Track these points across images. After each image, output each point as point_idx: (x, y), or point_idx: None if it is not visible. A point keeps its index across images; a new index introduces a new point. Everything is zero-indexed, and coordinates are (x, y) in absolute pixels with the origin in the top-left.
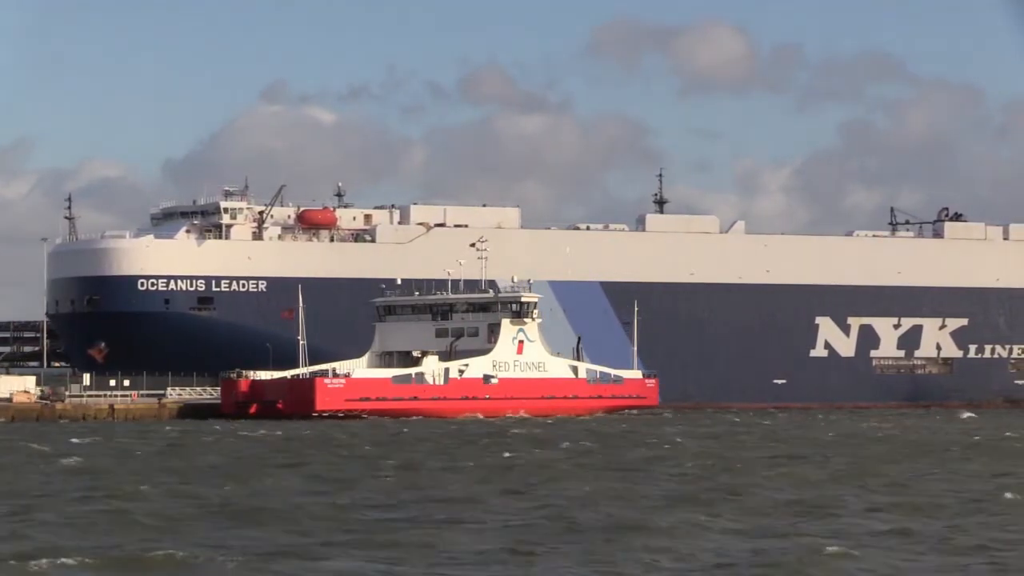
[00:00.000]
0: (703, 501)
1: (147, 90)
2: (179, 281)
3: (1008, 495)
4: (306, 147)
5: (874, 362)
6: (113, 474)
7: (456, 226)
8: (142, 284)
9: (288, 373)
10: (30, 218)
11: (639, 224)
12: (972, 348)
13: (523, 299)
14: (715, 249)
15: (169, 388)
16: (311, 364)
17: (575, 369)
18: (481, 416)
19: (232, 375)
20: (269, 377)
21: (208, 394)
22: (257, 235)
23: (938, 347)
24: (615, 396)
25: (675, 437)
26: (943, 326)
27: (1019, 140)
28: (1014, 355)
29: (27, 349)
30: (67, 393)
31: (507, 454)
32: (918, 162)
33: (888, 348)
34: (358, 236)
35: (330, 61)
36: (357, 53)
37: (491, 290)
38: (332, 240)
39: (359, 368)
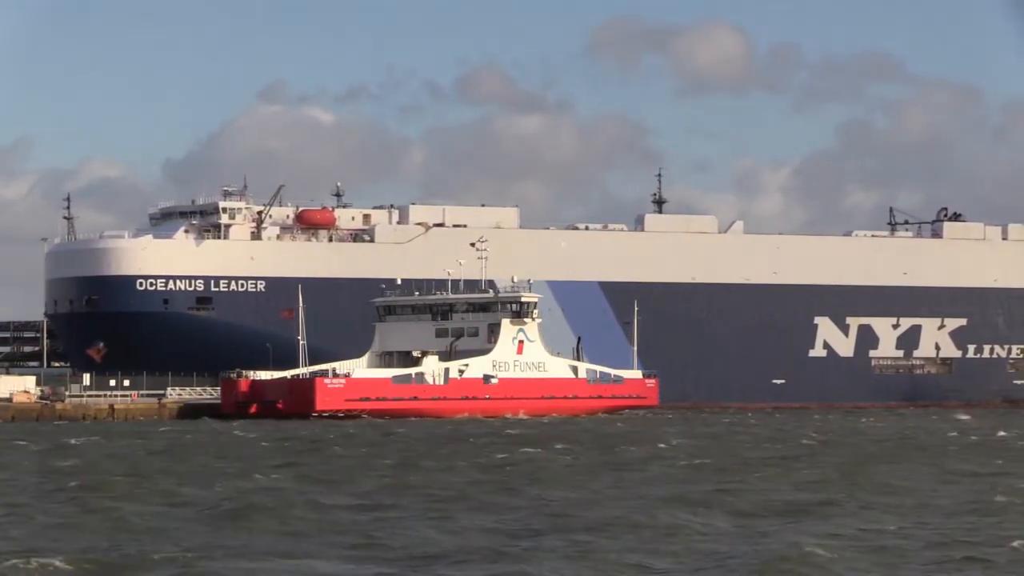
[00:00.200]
0: (692, 501)
1: (147, 90)
2: (178, 281)
3: (1000, 498)
4: (305, 147)
5: (873, 362)
6: (102, 474)
7: (455, 226)
8: (141, 284)
9: (288, 373)
10: (30, 218)
11: (638, 224)
12: (971, 348)
13: (523, 299)
14: (714, 249)
15: (169, 388)
16: (309, 364)
17: (575, 369)
18: (481, 416)
19: (232, 375)
20: (269, 377)
21: (208, 394)
22: (256, 235)
23: (937, 347)
24: (615, 396)
25: (671, 437)
26: (942, 326)
27: (1018, 140)
28: (1013, 355)
29: (27, 349)
30: (67, 393)
31: (501, 455)
32: (917, 162)
33: (887, 348)
34: (357, 236)
35: (329, 61)
36: (356, 53)
37: (491, 290)
38: (331, 240)
39: (359, 368)
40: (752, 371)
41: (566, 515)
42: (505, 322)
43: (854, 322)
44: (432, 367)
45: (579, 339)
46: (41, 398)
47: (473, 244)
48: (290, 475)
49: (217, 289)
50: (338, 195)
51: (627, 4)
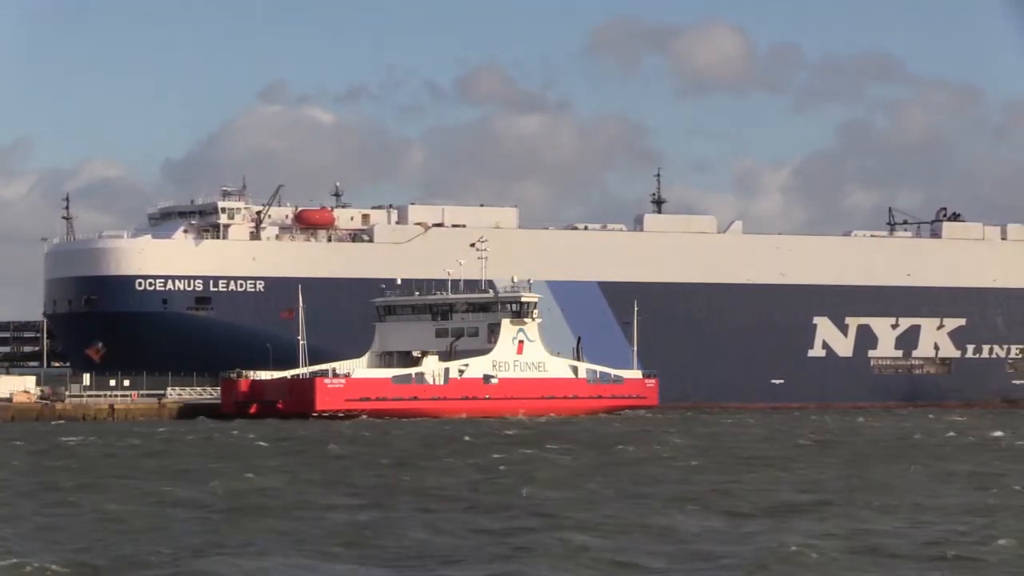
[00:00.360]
0: (686, 501)
1: (146, 90)
2: (177, 281)
3: (991, 500)
4: (305, 147)
5: (872, 362)
6: (94, 474)
7: (454, 226)
8: (140, 284)
9: (288, 373)
10: (29, 218)
11: (637, 224)
12: (970, 348)
13: (523, 299)
14: (713, 249)
15: (169, 388)
16: (308, 364)
17: (575, 369)
18: (481, 416)
19: (232, 375)
20: (269, 377)
21: (208, 394)
22: (255, 235)
23: (936, 347)
24: (615, 396)
25: (667, 437)
26: (941, 326)
27: (1018, 140)
28: (1012, 355)
29: (27, 349)
30: (67, 393)
31: (496, 455)
32: (917, 162)
33: (886, 348)
34: (356, 236)
35: (329, 61)
36: (356, 53)
37: (491, 290)
38: (330, 240)
39: (359, 368)
40: (751, 371)
41: (559, 515)
42: (505, 322)
43: (853, 322)
44: (432, 367)
45: (579, 339)
46: (41, 398)
47: (473, 244)
48: (285, 475)
49: (216, 289)
50: (337, 195)
51: (627, 4)
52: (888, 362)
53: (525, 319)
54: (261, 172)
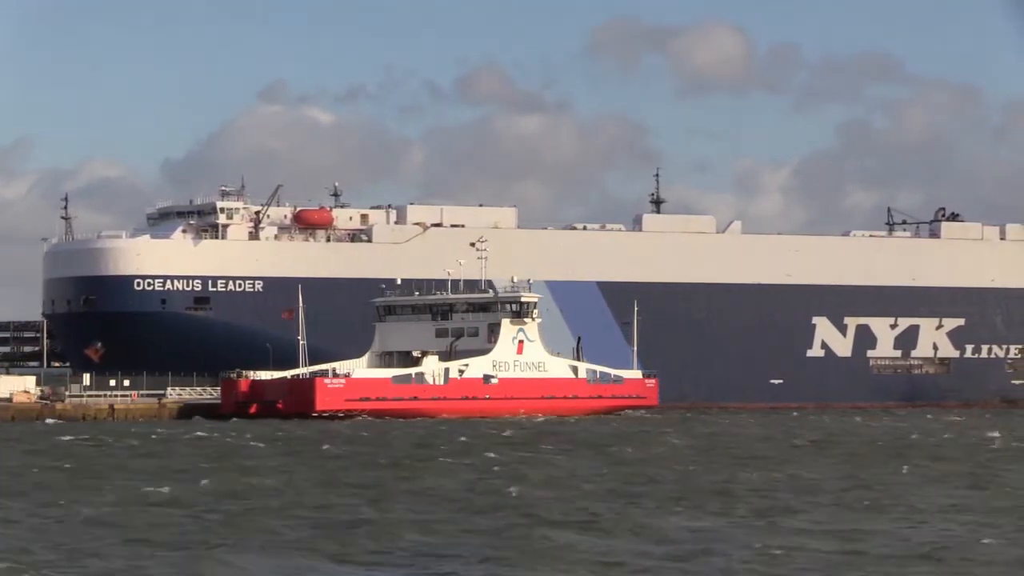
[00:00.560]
0: (674, 500)
1: (146, 90)
2: (175, 281)
3: (981, 501)
4: (305, 147)
5: (871, 362)
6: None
7: (453, 226)
8: (138, 284)
9: (288, 373)
10: (29, 218)
11: (636, 224)
12: (969, 348)
13: (523, 299)
14: (712, 249)
15: (169, 388)
16: (308, 364)
17: (575, 369)
18: (481, 416)
19: (232, 375)
20: (269, 377)
21: (208, 394)
22: (253, 235)
23: (935, 347)
24: (615, 396)
25: (665, 438)
26: (940, 326)
27: (1017, 140)
28: (1011, 355)
29: (27, 349)
30: (67, 393)
31: (490, 455)
32: (916, 162)
33: (885, 348)
34: (354, 236)
35: (328, 61)
36: (355, 53)
37: (491, 290)
38: (328, 240)
39: (359, 368)
40: (750, 371)
41: (549, 515)
42: (505, 322)
43: (852, 322)
44: (432, 367)
45: (579, 339)
46: (41, 398)
47: (473, 244)
48: (275, 475)
49: (215, 289)
50: (336, 195)
51: (626, 4)
52: (887, 362)
53: (525, 319)
54: (261, 172)
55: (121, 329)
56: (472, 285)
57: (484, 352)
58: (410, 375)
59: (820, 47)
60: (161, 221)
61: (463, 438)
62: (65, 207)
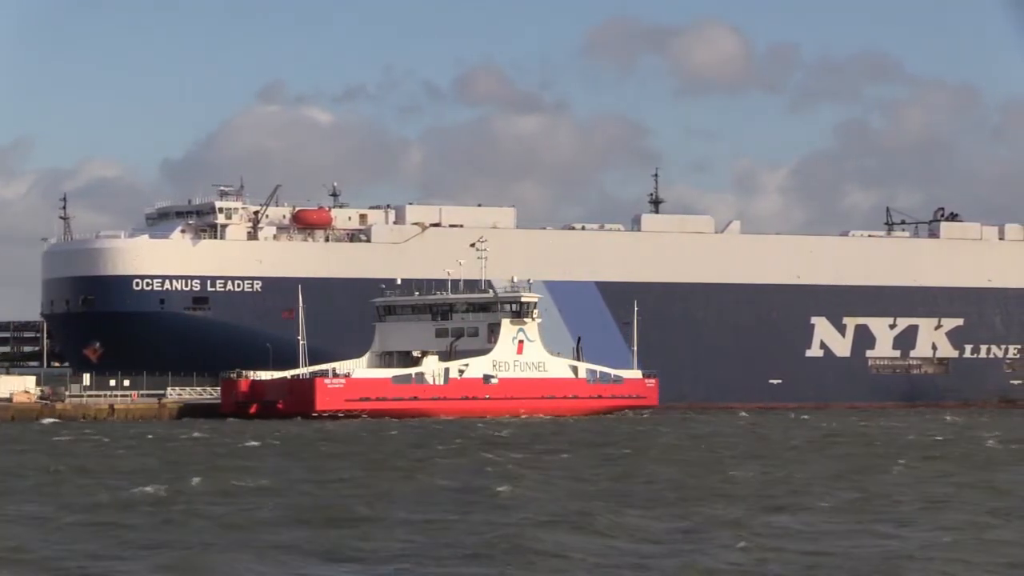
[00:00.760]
0: (648, 501)
1: (145, 90)
2: (174, 281)
3: (954, 501)
4: (304, 147)
5: (870, 362)
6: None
7: (451, 226)
8: (137, 284)
9: (288, 373)
10: (29, 218)
11: (634, 224)
12: (968, 348)
13: (523, 299)
14: (710, 249)
15: (169, 388)
16: (308, 364)
17: (575, 369)
18: (481, 416)
19: (232, 375)
20: (269, 377)
21: (208, 394)
22: (252, 235)
23: (934, 347)
24: (615, 396)
25: (657, 437)
26: (939, 326)
27: (1016, 140)
28: (1010, 355)
29: (27, 349)
30: (67, 393)
31: (488, 454)
32: (915, 162)
33: (884, 348)
34: (353, 236)
35: (327, 62)
36: (353, 54)
37: (491, 290)
38: (327, 240)
39: (359, 368)
40: (749, 371)
41: (535, 515)
42: (505, 322)
43: (851, 322)
44: (432, 367)
45: (579, 339)
46: (41, 398)
47: (473, 244)
48: (260, 474)
49: (213, 289)
50: (335, 195)
51: (625, 4)
52: (886, 362)
53: (525, 319)
54: (260, 172)
55: (120, 329)
56: (472, 285)
57: (484, 352)
58: (410, 375)
59: (818, 47)
60: (160, 221)
61: (458, 440)
62: (64, 207)
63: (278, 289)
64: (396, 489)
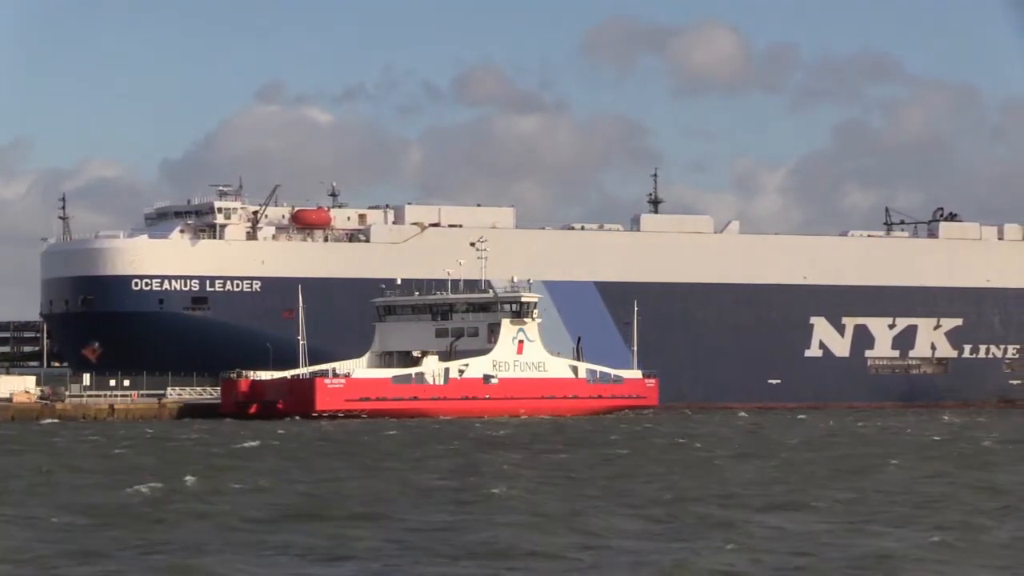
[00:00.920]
0: (647, 502)
1: (145, 90)
2: (173, 281)
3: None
4: (303, 147)
5: (869, 362)
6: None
7: (450, 226)
8: (136, 284)
9: (288, 373)
10: (28, 218)
11: (634, 224)
12: (967, 348)
13: (523, 299)
14: (709, 249)
15: (169, 388)
16: (308, 364)
17: (575, 369)
18: (480, 416)
19: (232, 375)
20: (269, 377)
21: (208, 394)
22: (251, 235)
23: (933, 347)
24: (615, 396)
25: (655, 438)
26: (938, 326)
27: (1015, 140)
28: (1009, 355)
29: (27, 349)
30: (67, 393)
31: (485, 455)
32: (914, 162)
33: (883, 348)
34: (352, 236)
35: (326, 62)
36: (353, 53)
37: (491, 290)
38: (326, 240)
39: (359, 368)
40: (748, 371)
41: (520, 516)
42: (505, 322)
43: (850, 322)
44: (432, 367)
45: (579, 339)
46: (41, 398)
47: (473, 244)
48: (255, 474)
49: (212, 289)
50: (334, 195)
51: (624, 5)
52: (885, 362)
53: (525, 319)
54: (259, 172)
55: (119, 329)
56: (472, 285)
57: (484, 352)
58: (410, 375)
59: (817, 47)
60: (159, 221)
61: (456, 440)
62: (63, 207)
63: (277, 289)
64: (391, 489)
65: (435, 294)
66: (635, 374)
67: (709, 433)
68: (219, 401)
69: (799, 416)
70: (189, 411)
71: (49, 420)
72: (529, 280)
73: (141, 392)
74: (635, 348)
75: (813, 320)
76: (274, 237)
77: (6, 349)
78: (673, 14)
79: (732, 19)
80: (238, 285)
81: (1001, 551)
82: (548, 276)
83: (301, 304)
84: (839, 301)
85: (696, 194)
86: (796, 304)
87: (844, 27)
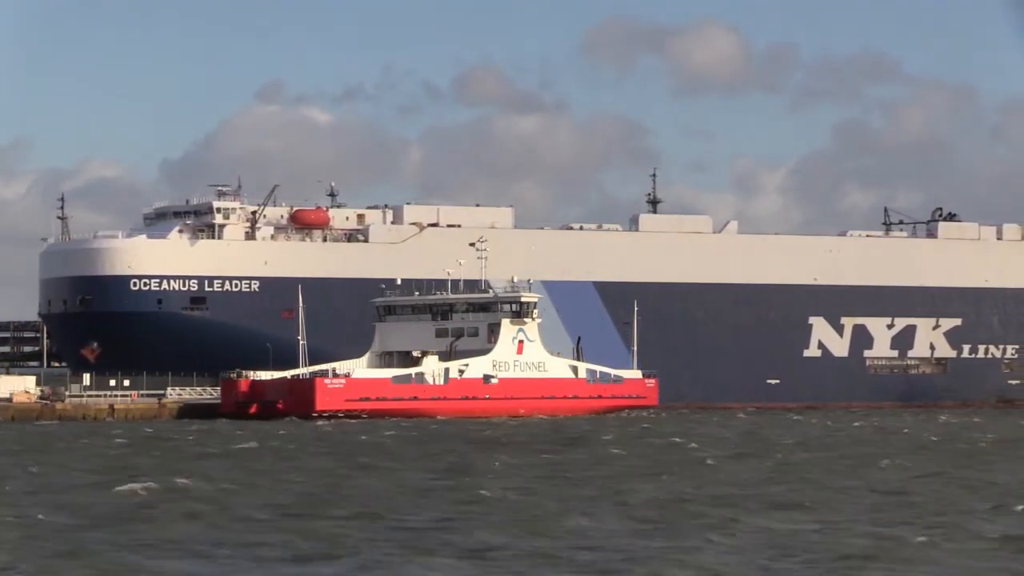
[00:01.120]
0: (645, 501)
1: (144, 90)
2: (172, 281)
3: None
4: (303, 147)
5: (868, 362)
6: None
7: (449, 226)
8: (134, 284)
9: (288, 373)
10: (28, 218)
11: (632, 224)
12: (966, 348)
13: (523, 299)
14: (708, 249)
15: (169, 388)
16: (308, 364)
17: (575, 369)
18: (481, 416)
19: (232, 375)
20: (269, 377)
21: (208, 394)
22: (250, 235)
23: (932, 347)
24: (615, 396)
25: (654, 438)
26: (937, 326)
27: (1014, 140)
28: (1008, 355)
29: (27, 349)
30: (67, 393)
31: (481, 455)
32: (913, 162)
33: (882, 348)
34: (351, 236)
35: (326, 61)
36: (353, 53)
37: (491, 290)
38: (325, 240)
39: (359, 368)
40: (747, 371)
41: (516, 515)
42: (505, 322)
43: (849, 322)
44: (432, 367)
45: (579, 339)
46: (41, 398)
47: (473, 244)
48: (252, 473)
49: (211, 289)
50: (332, 195)
51: (623, 5)
52: (884, 362)
53: (525, 319)
54: (259, 172)
55: (117, 329)
56: (472, 285)
57: (484, 352)
58: (410, 375)
59: (817, 47)
60: (157, 221)
61: (454, 441)
62: (61, 207)
63: (276, 289)
64: (385, 489)
65: (435, 294)
66: (635, 374)
67: (706, 433)
68: (219, 401)
69: (795, 416)
70: (189, 411)
71: (48, 420)
72: (529, 280)
73: (141, 392)
74: (635, 348)
75: (812, 320)
76: (273, 237)
77: (6, 349)
78: (673, 14)
79: (732, 19)
80: (236, 285)
81: (990, 549)
82: (547, 276)
83: (301, 304)
84: (838, 301)
85: (696, 194)
86: (795, 304)
87: (844, 27)
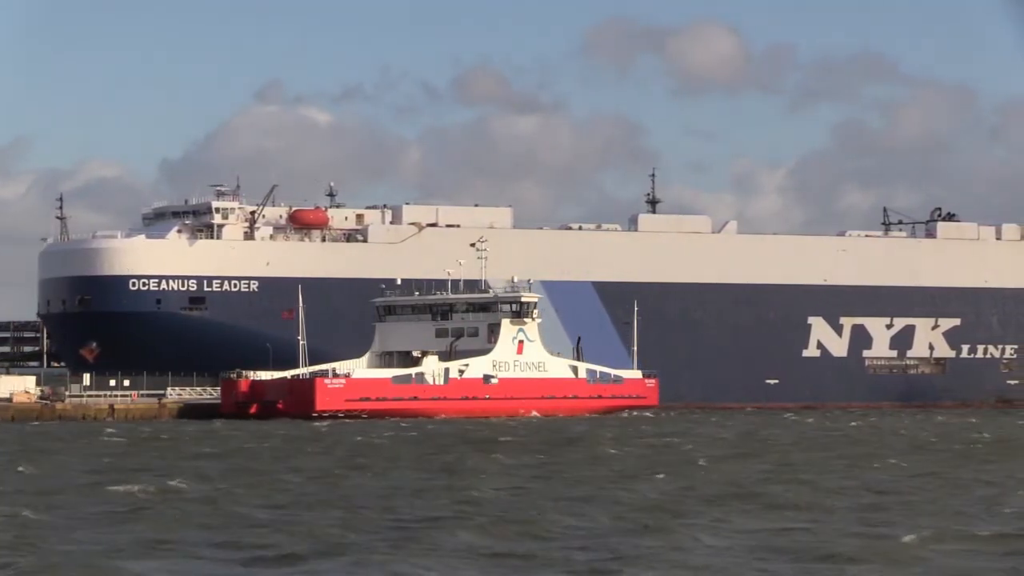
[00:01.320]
0: (640, 501)
1: (144, 91)
2: (170, 281)
3: (911, 497)
4: (302, 147)
5: (867, 362)
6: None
7: (448, 226)
8: (133, 284)
9: (288, 373)
10: (27, 218)
11: (631, 224)
12: (965, 348)
13: (523, 299)
14: (707, 249)
15: (169, 388)
16: (308, 364)
17: (575, 369)
18: (481, 416)
19: (232, 375)
20: (269, 377)
21: (208, 394)
22: (249, 235)
23: (931, 347)
24: (615, 396)
25: (652, 438)
26: (936, 326)
27: (1013, 140)
28: (1007, 355)
29: (26, 349)
30: (67, 393)
31: (478, 454)
32: (912, 162)
33: (881, 348)
34: (350, 236)
35: (325, 62)
36: (351, 54)
37: (490, 290)
38: (324, 240)
39: (359, 368)
40: (746, 371)
41: (511, 515)
42: (505, 322)
43: (848, 322)
44: (432, 367)
45: (579, 339)
46: (41, 398)
47: (473, 244)
48: (247, 473)
49: (210, 289)
50: (331, 195)
51: (622, 5)
52: (883, 362)
53: (525, 319)
54: (258, 172)
55: (116, 329)
56: (472, 285)
57: (484, 352)
58: (410, 375)
59: (815, 47)
60: (156, 221)
61: (452, 441)
62: (60, 207)
63: (275, 289)
64: (381, 489)
65: (435, 294)
66: (635, 374)
67: (704, 433)
68: (219, 401)
69: (790, 416)
70: (189, 411)
71: (40, 422)
72: (529, 280)
73: (141, 392)
74: (635, 348)
75: (811, 320)
76: (272, 237)
77: (6, 349)
78: (672, 14)
79: (731, 19)
80: (235, 285)
81: (981, 549)
82: (546, 276)
83: (301, 304)
84: (837, 301)
85: (695, 194)
86: (794, 304)
87: (842, 28)
